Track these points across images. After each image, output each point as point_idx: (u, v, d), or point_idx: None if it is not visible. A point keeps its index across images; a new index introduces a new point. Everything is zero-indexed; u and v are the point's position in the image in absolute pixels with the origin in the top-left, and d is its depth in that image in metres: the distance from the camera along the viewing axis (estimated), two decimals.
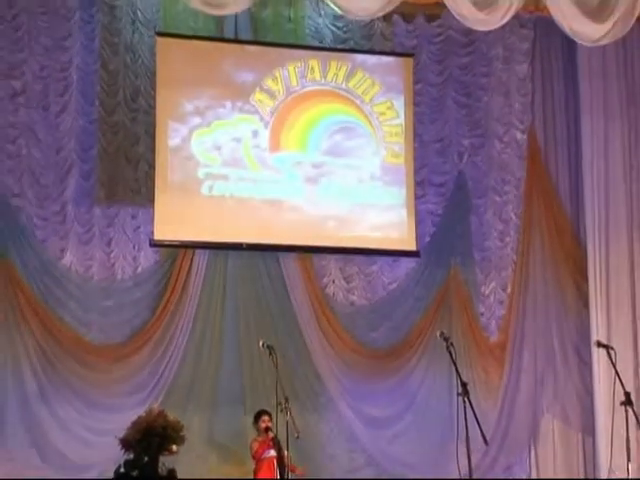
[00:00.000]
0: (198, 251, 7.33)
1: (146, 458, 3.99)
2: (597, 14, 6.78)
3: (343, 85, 7.60)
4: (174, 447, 4.04)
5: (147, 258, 7.30)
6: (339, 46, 7.75)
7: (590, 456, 7.78)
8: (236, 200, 7.31)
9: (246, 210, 7.30)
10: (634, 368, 7.64)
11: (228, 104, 7.36)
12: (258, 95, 7.43)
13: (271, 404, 6.29)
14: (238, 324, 7.39)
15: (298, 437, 6.13)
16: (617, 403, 5.87)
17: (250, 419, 6.95)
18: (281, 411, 6.03)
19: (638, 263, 7.85)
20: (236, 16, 7.31)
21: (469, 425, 4.98)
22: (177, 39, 7.34)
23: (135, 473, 3.97)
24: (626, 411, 5.72)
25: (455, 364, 5.15)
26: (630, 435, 5.85)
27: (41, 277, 7.03)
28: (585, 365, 7.80)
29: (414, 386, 7.63)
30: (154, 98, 7.21)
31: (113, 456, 4.35)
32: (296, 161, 7.47)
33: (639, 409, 6.85)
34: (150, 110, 7.25)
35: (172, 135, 7.20)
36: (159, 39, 7.25)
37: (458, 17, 6.69)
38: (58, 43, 7.23)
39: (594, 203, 7.85)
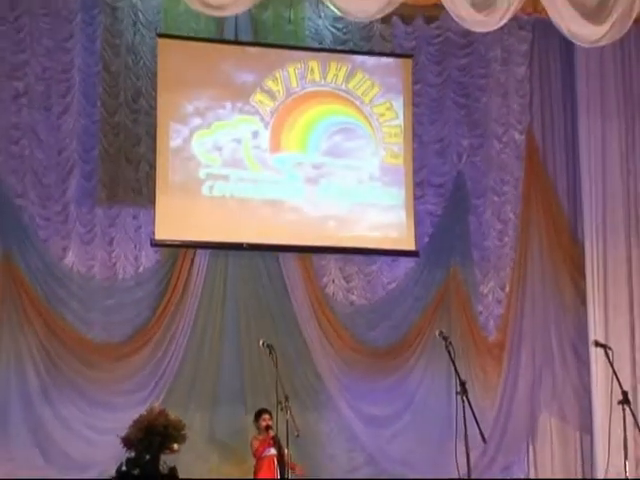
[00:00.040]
0: (199, 251, 7.36)
1: (147, 456, 4.04)
2: (595, 16, 6.81)
3: (343, 86, 7.64)
4: (175, 446, 4.09)
5: (148, 258, 7.33)
6: (339, 47, 7.77)
7: (588, 454, 7.82)
8: (237, 200, 7.35)
9: (246, 210, 7.34)
10: (631, 367, 7.68)
11: (228, 105, 7.39)
12: (258, 96, 7.47)
13: (271, 403, 6.31)
14: (238, 323, 7.42)
15: (298, 435, 6.15)
16: (614, 402, 5.83)
17: (250, 418, 6.99)
18: (281, 410, 6.04)
19: (636, 262, 7.88)
20: (236, 17, 7.34)
21: (468, 424, 5.00)
22: (178, 40, 7.36)
23: (137, 471, 4.02)
24: (623, 410, 5.71)
25: (454, 363, 5.16)
26: (627, 434, 5.83)
27: (43, 276, 7.06)
28: (583, 364, 7.82)
29: (413, 385, 7.67)
30: (155, 99, 7.24)
31: (115, 454, 4.41)
32: (296, 162, 7.50)
33: (636, 408, 6.96)
34: (151, 111, 7.28)
35: (173, 136, 7.23)
36: (160, 40, 7.28)
37: (456, 19, 6.71)
38: (60, 44, 7.26)
39: (592, 203, 7.88)
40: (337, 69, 7.63)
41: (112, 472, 4.15)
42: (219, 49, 7.54)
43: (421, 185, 7.87)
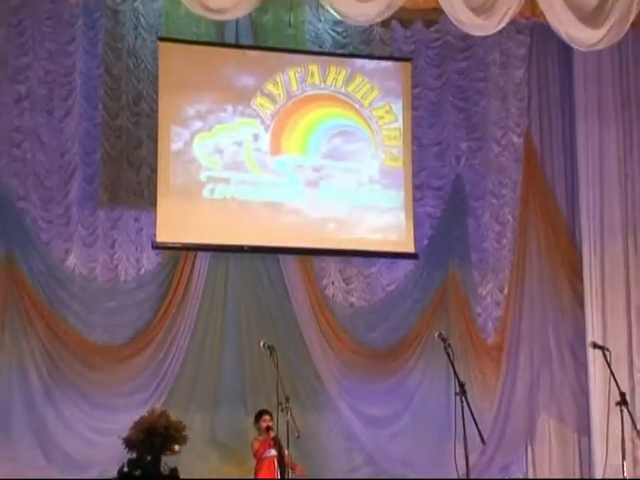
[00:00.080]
0: (200, 253, 7.40)
1: (149, 457, 4.06)
2: (592, 20, 6.84)
3: (342, 89, 7.67)
4: (176, 447, 4.10)
5: (150, 260, 7.36)
6: (338, 51, 7.81)
7: (586, 456, 7.85)
8: (237, 203, 7.38)
9: (247, 213, 7.38)
10: (629, 368, 7.70)
11: (229, 108, 7.43)
12: (259, 99, 7.51)
13: (272, 404, 6.34)
14: (239, 325, 7.46)
15: (298, 436, 6.16)
16: (612, 403, 5.88)
17: (251, 419, 7.02)
18: (282, 411, 6.07)
19: (633, 265, 7.90)
20: (237, 21, 7.38)
21: (467, 425, 5.03)
22: (179, 44, 7.40)
23: (138, 472, 4.03)
24: (621, 411, 5.75)
25: (453, 364, 5.18)
26: (625, 435, 5.89)
27: (46, 279, 7.09)
28: (581, 366, 7.85)
29: (412, 386, 7.70)
30: (156, 102, 7.27)
31: (116, 455, 4.42)
32: (296, 164, 7.54)
33: (634, 409, 7.00)
34: (152, 114, 7.31)
35: (174, 139, 7.27)
36: (161, 44, 7.32)
37: (456, 22, 6.73)
38: (62, 48, 7.29)
39: (589, 205, 7.91)
40: (337, 72, 7.67)
41: (114, 473, 4.17)
42: (220, 53, 7.58)
43: (420, 188, 7.91)
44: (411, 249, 7.69)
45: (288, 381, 6.68)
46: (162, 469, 4.09)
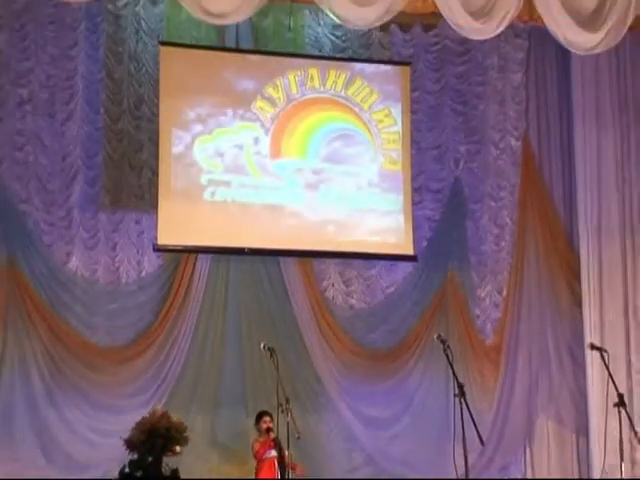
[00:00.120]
0: (200, 256, 7.43)
1: (150, 458, 4.10)
2: (590, 24, 6.86)
3: (342, 93, 7.72)
4: (177, 448, 4.14)
5: (151, 263, 7.40)
6: (338, 55, 7.85)
7: (584, 457, 7.88)
8: (238, 206, 7.42)
9: (247, 215, 7.42)
10: (627, 370, 7.73)
11: (230, 112, 7.47)
12: (259, 103, 7.54)
13: (272, 405, 6.37)
14: (240, 327, 7.49)
15: (299, 437, 6.17)
16: (610, 404, 5.92)
17: (252, 420, 7.05)
18: (282, 412, 6.10)
19: (630, 267, 7.94)
20: (237, 26, 7.40)
21: (466, 426, 5.07)
22: (180, 48, 7.44)
23: (139, 473, 4.07)
24: (619, 412, 5.77)
25: (452, 366, 5.22)
26: (623, 436, 5.93)
27: (48, 281, 7.13)
28: (579, 367, 7.88)
29: (412, 387, 7.73)
30: (157, 106, 7.31)
31: (118, 457, 4.46)
32: (296, 168, 7.58)
33: (632, 410, 7.03)
34: (153, 118, 7.35)
35: (175, 142, 7.30)
36: (162, 48, 7.36)
37: (454, 26, 6.75)
38: (64, 52, 7.33)
39: (587, 208, 7.94)
40: (336, 76, 7.71)
41: (115, 474, 4.20)
42: (220, 57, 7.61)
43: (419, 191, 7.95)
44: (410, 251, 7.73)
45: (288, 382, 6.71)
46: (163, 470, 4.12)
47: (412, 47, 8.02)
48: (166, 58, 7.36)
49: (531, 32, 7.98)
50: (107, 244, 7.34)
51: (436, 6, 6.69)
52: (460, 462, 5.17)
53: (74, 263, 7.25)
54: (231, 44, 7.66)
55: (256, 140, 7.52)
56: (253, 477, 6.92)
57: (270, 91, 7.60)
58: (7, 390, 6.94)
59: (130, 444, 4.17)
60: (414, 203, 7.82)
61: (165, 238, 7.20)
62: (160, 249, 7.29)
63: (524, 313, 8.02)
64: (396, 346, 7.78)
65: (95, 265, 7.30)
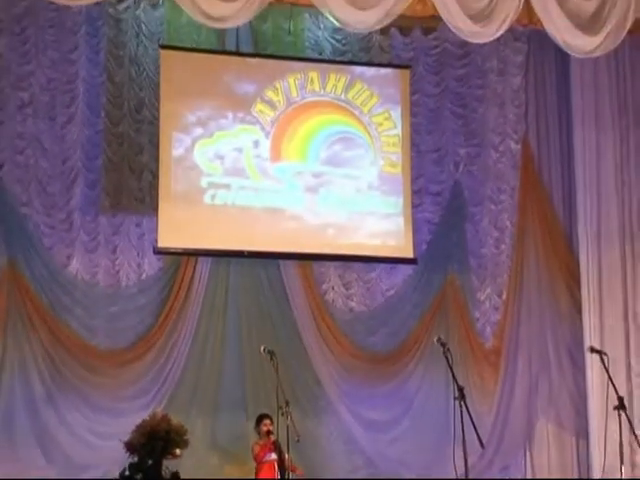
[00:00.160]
0: (201, 258, 7.45)
1: (150, 461, 4.10)
2: (589, 27, 6.89)
3: (342, 96, 7.74)
4: (178, 451, 4.14)
5: (151, 265, 7.41)
6: (338, 58, 7.87)
7: (584, 460, 7.88)
8: (238, 209, 7.44)
9: (248, 218, 7.43)
10: (627, 373, 7.73)
11: (230, 115, 7.49)
12: (259, 106, 7.56)
13: (272, 408, 6.35)
14: (240, 330, 7.50)
15: (298, 440, 6.15)
16: (610, 407, 5.92)
17: (252, 423, 7.06)
18: (282, 415, 6.07)
19: (630, 269, 7.93)
20: (237, 29, 7.43)
21: (466, 429, 5.07)
22: (180, 52, 7.46)
23: (139, 476, 4.08)
24: (619, 415, 5.78)
25: (452, 369, 5.22)
26: (623, 439, 5.93)
27: (48, 284, 7.14)
28: (579, 370, 7.88)
29: (412, 390, 7.75)
30: (158, 109, 7.33)
31: (118, 459, 4.46)
32: (296, 171, 7.60)
33: (632, 413, 7.03)
34: (154, 121, 7.37)
35: (175, 145, 7.33)
36: (163, 52, 7.39)
37: (454, 30, 6.77)
38: (65, 56, 7.35)
39: (586, 211, 7.94)
40: (336, 79, 7.73)
41: (115, 476, 4.21)
42: (220, 60, 7.63)
43: (419, 193, 7.97)
44: (410, 254, 7.74)
45: (288, 385, 6.70)
46: (163, 473, 4.13)
47: (412, 50, 8.05)
48: (166, 61, 7.38)
49: (530, 35, 8.00)
50: (107, 247, 7.36)
51: (436, 9, 6.72)
52: (460, 465, 5.16)
53: (74, 266, 7.26)
54: (231, 47, 7.69)
55: (256, 143, 7.54)
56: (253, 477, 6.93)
57: (270, 94, 7.61)
58: (7, 393, 6.95)
59: (130, 447, 4.17)
60: (414, 206, 7.84)
61: (165, 241, 7.22)
62: (160, 252, 7.30)
63: (524, 316, 8.03)
64: (396, 349, 7.80)
65: (95, 268, 7.32)
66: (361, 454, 7.64)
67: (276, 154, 7.58)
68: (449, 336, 7.57)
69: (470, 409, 5.14)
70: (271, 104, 7.60)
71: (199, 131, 7.41)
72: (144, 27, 7.53)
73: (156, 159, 7.31)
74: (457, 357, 7.29)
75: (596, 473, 7.46)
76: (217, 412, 7.37)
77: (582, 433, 7.88)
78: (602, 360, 6.02)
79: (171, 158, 7.32)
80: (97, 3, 6.90)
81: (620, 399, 5.84)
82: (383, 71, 7.92)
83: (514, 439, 7.88)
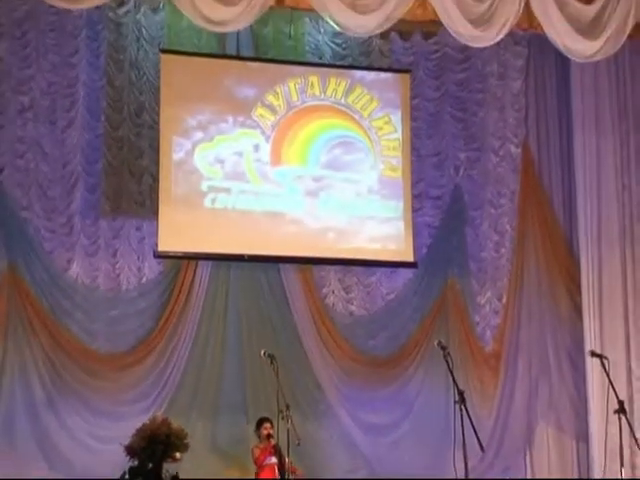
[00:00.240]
0: (201, 262, 7.45)
1: (150, 465, 4.11)
2: (589, 31, 6.90)
3: (342, 100, 7.75)
4: (178, 454, 4.15)
5: (151, 269, 7.42)
6: (338, 62, 7.88)
7: (584, 463, 7.88)
8: (238, 213, 7.44)
9: (248, 222, 7.44)
10: (627, 377, 7.72)
11: (230, 119, 7.50)
12: (259, 110, 7.57)
13: (272, 412, 6.37)
14: (240, 334, 7.51)
15: (299, 444, 6.18)
16: (611, 411, 5.94)
17: (252, 427, 7.07)
18: (282, 418, 6.10)
19: (630, 273, 7.93)
20: (238, 33, 7.43)
21: (466, 432, 5.07)
22: (180, 56, 7.47)
23: None
24: (619, 419, 5.78)
25: (452, 372, 5.23)
26: (623, 443, 5.96)
27: (48, 288, 7.15)
28: (579, 374, 7.88)
29: (412, 394, 7.75)
30: (158, 113, 7.34)
31: (118, 463, 4.44)
32: (297, 175, 7.60)
33: (632, 417, 7.03)
34: (154, 125, 7.38)
35: (176, 149, 7.33)
36: (163, 56, 7.40)
37: (454, 34, 6.78)
38: (65, 60, 7.36)
39: (587, 215, 7.95)
40: (337, 84, 7.74)
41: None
42: (221, 64, 7.65)
43: (419, 197, 7.98)
44: (410, 258, 7.75)
45: (288, 389, 6.71)
46: (163, 476, 4.13)
47: (412, 55, 8.06)
48: (167, 65, 7.39)
49: (531, 40, 8.01)
50: (108, 251, 7.36)
51: (436, 14, 6.73)
52: (460, 468, 5.16)
53: (75, 270, 7.27)
54: (232, 52, 7.69)
55: (256, 147, 7.55)
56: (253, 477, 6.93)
57: (270, 98, 7.62)
58: (8, 397, 6.95)
59: (130, 450, 4.18)
60: (414, 210, 7.85)
61: (166, 245, 7.22)
62: (161, 255, 7.31)
63: (524, 320, 8.04)
64: (396, 353, 7.80)
65: (96, 272, 7.32)
66: (361, 458, 7.64)
67: (276, 158, 7.59)
68: (449, 340, 7.58)
69: (470, 413, 5.15)
70: (271, 108, 7.61)
71: (199, 135, 7.42)
72: (144, 31, 7.54)
73: (156, 163, 7.32)
74: (457, 361, 7.29)
75: (596, 477, 7.45)
76: (217, 416, 7.38)
77: (582, 437, 7.88)
78: (602, 364, 6.04)
79: (171, 162, 7.33)
80: (98, 7, 6.94)
81: (620, 403, 5.84)
82: (383, 75, 7.93)
83: (514, 443, 7.89)
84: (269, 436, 6.80)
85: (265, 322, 7.57)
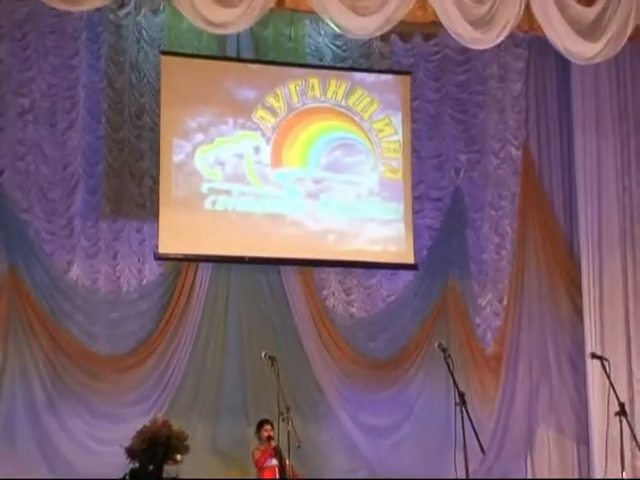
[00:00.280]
0: (201, 264, 7.45)
1: (151, 467, 4.09)
2: (590, 33, 6.91)
3: (343, 102, 7.75)
4: (178, 456, 4.13)
5: (152, 271, 7.42)
6: (338, 64, 7.89)
7: (585, 466, 7.87)
8: (238, 215, 7.45)
9: (248, 224, 7.44)
10: (628, 379, 7.72)
11: (230, 121, 7.50)
12: (260, 112, 7.58)
13: (273, 414, 6.39)
14: (240, 336, 7.51)
15: (299, 446, 6.18)
16: (611, 413, 5.92)
17: (252, 429, 7.07)
18: (283, 420, 6.12)
19: (631, 275, 7.93)
20: (238, 35, 7.45)
21: (466, 435, 5.07)
22: (181, 58, 7.48)
23: None
24: (620, 421, 5.77)
25: (452, 375, 5.23)
26: (624, 445, 5.95)
27: (49, 290, 7.15)
28: (580, 376, 7.88)
29: (413, 396, 7.75)
30: (158, 115, 7.35)
31: (119, 465, 4.44)
32: (297, 177, 7.61)
33: (633, 419, 7.03)
34: (155, 127, 7.39)
35: (176, 151, 7.33)
36: (163, 58, 7.41)
37: (454, 36, 6.79)
38: (65, 62, 7.36)
39: (587, 217, 7.95)
40: (337, 86, 7.75)
41: None
42: (221, 66, 7.65)
43: (420, 199, 7.98)
44: (411, 260, 7.75)
45: (289, 391, 6.73)
46: (164, 478, 4.12)
47: (412, 56, 8.06)
48: (167, 67, 7.40)
49: (531, 42, 8.02)
50: (108, 253, 7.36)
51: (436, 15, 6.73)
52: (461, 471, 5.15)
53: (75, 272, 7.27)
54: (232, 54, 7.70)
55: (257, 149, 7.55)
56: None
57: (271, 100, 7.63)
58: (8, 399, 6.95)
59: (131, 453, 4.17)
60: (414, 212, 7.85)
61: (166, 247, 7.22)
62: (161, 257, 7.31)
63: (524, 322, 8.04)
64: (397, 355, 7.80)
65: (96, 274, 7.32)
66: (361, 460, 7.63)
67: (277, 160, 7.60)
68: (450, 342, 7.57)
69: (471, 415, 5.14)
70: (272, 110, 7.62)
71: (200, 137, 7.42)
72: (145, 33, 7.55)
73: (157, 165, 7.32)
74: (458, 363, 7.29)
75: (597, 479, 7.45)
76: (218, 418, 7.38)
77: (583, 439, 7.88)
78: (603, 366, 6.02)
79: (172, 164, 7.33)
80: (98, 9, 6.94)
81: (621, 405, 5.83)
82: (384, 77, 7.94)
83: (515, 445, 7.89)
84: (270, 438, 6.80)
85: (266, 324, 7.57)
